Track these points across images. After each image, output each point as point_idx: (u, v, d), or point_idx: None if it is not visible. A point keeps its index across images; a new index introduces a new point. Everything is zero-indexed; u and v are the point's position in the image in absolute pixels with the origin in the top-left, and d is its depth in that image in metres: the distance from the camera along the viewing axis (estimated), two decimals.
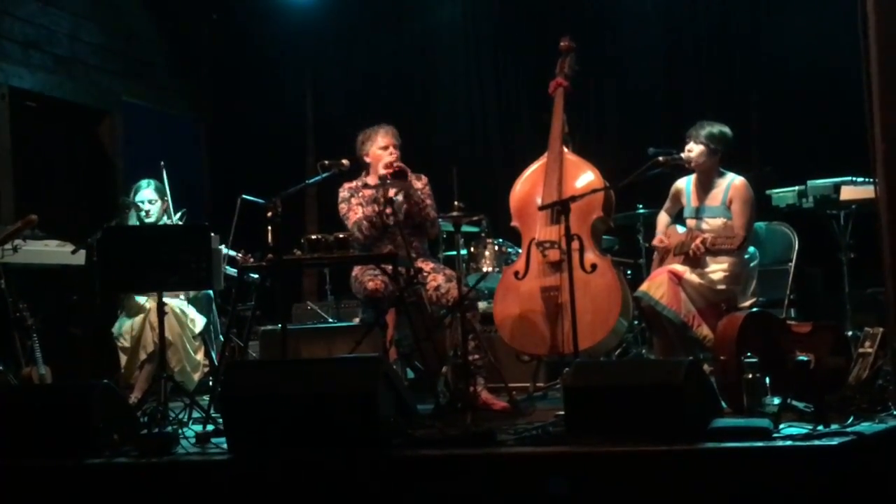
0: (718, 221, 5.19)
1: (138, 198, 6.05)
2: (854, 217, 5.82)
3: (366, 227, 5.33)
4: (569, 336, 4.95)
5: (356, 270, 5.44)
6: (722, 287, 5.12)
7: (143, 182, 6.13)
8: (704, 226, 5.22)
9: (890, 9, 3.94)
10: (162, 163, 6.22)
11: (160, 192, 6.10)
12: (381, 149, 5.44)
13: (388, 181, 5.28)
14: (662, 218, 5.51)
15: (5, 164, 7.00)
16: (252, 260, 5.93)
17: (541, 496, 3.67)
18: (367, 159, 5.51)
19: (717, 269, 5.13)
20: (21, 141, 7.18)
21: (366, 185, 5.47)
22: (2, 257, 5.82)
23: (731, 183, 5.21)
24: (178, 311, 5.89)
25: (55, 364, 6.04)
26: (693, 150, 5.23)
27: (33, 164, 7.38)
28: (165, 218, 6.10)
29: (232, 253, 5.90)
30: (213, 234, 5.16)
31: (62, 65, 7.61)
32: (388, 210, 5.29)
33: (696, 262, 5.14)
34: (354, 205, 5.45)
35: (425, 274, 5.30)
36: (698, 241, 5.03)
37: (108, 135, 8.08)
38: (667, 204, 5.51)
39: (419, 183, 5.48)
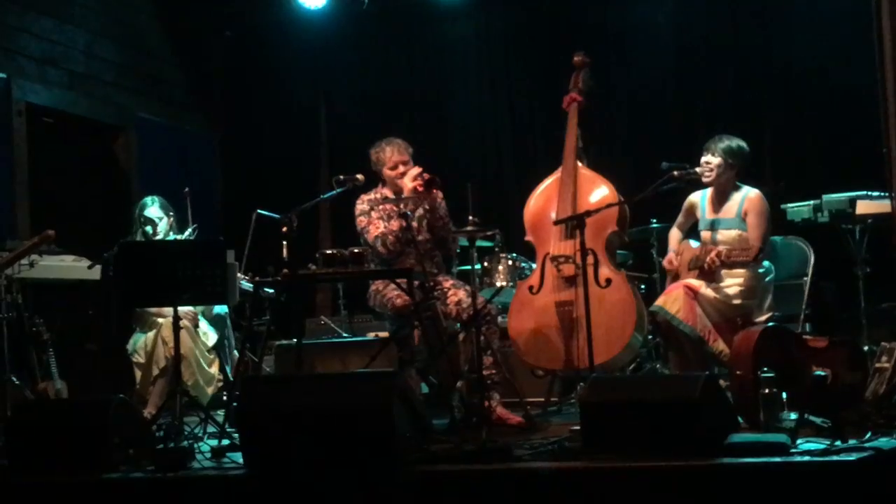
0: (733, 233, 5.18)
1: (145, 215, 6.10)
2: (870, 231, 5.79)
3: (391, 243, 5.27)
4: (583, 351, 4.94)
5: (377, 285, 5.38)
6: (738, 302, 5.11)
7: (148, 199, 6.17)
8: (719, 237, 5.22)
9: None
10: (186, 189, 6.25)
11: (165, 209, 6.14)
12: (391, 169, 5.38)
13: (418, 194, 5.24)
14: (674, 234, 5.51)
15: (22, 179, 7.04)
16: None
17: None
18: (383, 175, 5.49)
19: (733, 283, 5.13)
20: (37, 157, 7.22)
21: (386, 199, 5.44)
22: (18, 272, 5.84)
23: (746, 195, 5.21)
24: (190, 325, 5.91)
25: (71, 379, 6.06)
26: (711, 162, 5.23)
27: (49, 180, 7.42)
28: (171, 234, 6.13)
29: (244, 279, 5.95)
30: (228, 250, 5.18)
31: (78, 81, 7.66)
32: (415, 224, 5.28)
33: (711, 277, 5.13)
34: (375, 218, 5.38)
35: (445, 289, 5.30)
36: (713, 254, 5.03)
37: (123, 150, 8.13)
38: (679, 219, 5.51)
39: (438, 196, 5.47)
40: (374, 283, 5.40)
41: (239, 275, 5.90)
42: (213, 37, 9.00)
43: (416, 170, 5.30)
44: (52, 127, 7.56)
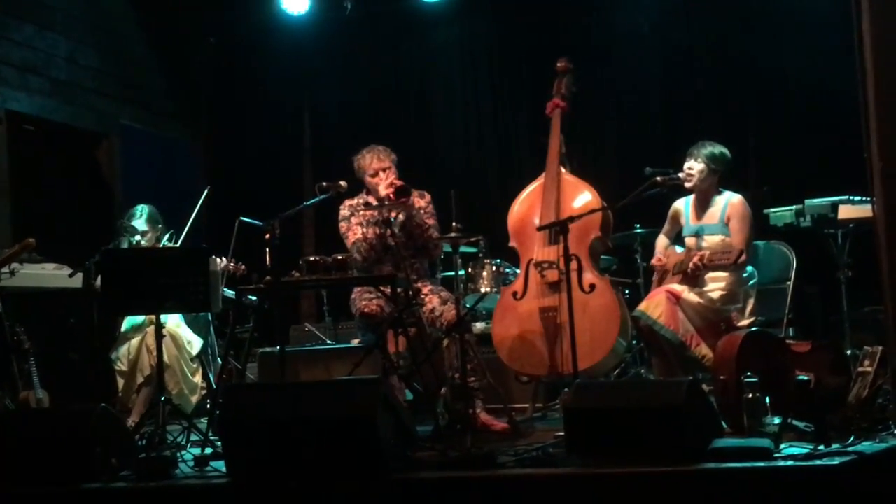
0: (716, 239, 5.20)
1: (132, 224, 6.08)
2: (852, 236, 5.82)
3: (364, 250, 5.32)
4: (568, 356, 4.94)
5: (355, 292, 5.43)
6: (720, 306, 5.12)
7: (137, 210, 6.15)
8: (703, 244, 5.23)
9: (886, 28, 3.96)
10: (207, 189, 6.24)
11: (153, 222, 6.12)
12: (371, 177, 5.41)
13: (391, 202, 5.25)
14: (661, 241, 5.52)
15: (3, 187, 7.00)
16: (243, 268, 5.93)
17: None
18: (365, 182, 5.50)
19: (716, 288, 5.14)
20: (19, 164, 7.18)
21: (367, 205, 5.45)
22: None
23: (729, 201, 5.24)
24: (174, 333, 5.89)
25: (53, 388, 6.02)
26: (693, 168, 5.25)
27: (31, 188, 7.39)
28: (158, 243, 6.11)
29: (222, 262, 5.88)
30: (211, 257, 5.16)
31: (60, 88, 7.63)
32: (389, 232, 5.27)
33: (694, 282, 5.14)
34: (354, 224, 5.43)
35: (422, 296, 5.29)
36: (696, 258, 5.04)
37: (105, 158, 8.10)
38: (665, 226, 5.52)
39: (422, 201, 5.47)
40: (353, 290, 5.42)
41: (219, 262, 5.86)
42: (196, 43, 8.97)
43: (391, 177, 5.33)
44: (33, 134, 7.52)
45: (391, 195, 5.23)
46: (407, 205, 5.28)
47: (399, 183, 5.26)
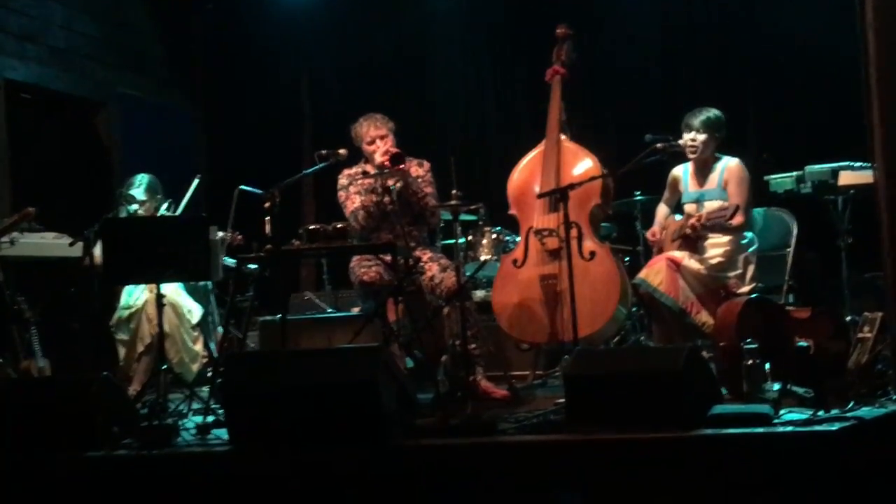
0: (715, 204, 5.19)
1: (130, 193, 6.08)
2: (852, 202, 5.80)
3: (362, 217, 5.33)
4: (568, 324, 4.95)
5: (353, 260, 5.44)
6: (720, 273, 5.13)
7: (136, 179, 6.13)
8: (703, 210, 5.23)
9: None
10: (197, 178, 6.20)
11: (152, 191, 6.10)
12: (369, 145, 5.42)
13: (387, 170, 5.26)
14: (661, 209, 5.51)
15: (2, 156, 6.98)
16: (241, 238, 5.93)
17: (542, 485, 3.67)
18: (363, 150, 5.50)
19: (715, 254, 5.14)
20: (17, 133, 7.16)
21: (365, 173, 5.46)
22: None
23: (726, 165, 5.24)
24: (174, 302, 5.89)
25: (54, 357, 6.03)
26: (697, 139, 5.23)
27: (30, 157, 7.37)
28: (157, 213, 6.10)
29: (221, 234, 5.88)
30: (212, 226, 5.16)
31: (57, 56, 7.59)
32: (387, 199, 5.28)
33: (694, 246, 5.14)
34: (352, 193, 5.44)
35: (422, 264, 5.30)
36: (693, 219, 5.05)
37: (104, 126, 8.07)
38: (665, 194, 5.52)
39: (421, 170, 5.47)
40: (352, 258, 5.42)
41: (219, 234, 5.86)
42: (194, 10, 8.92)
43: (387, 145, 5.32)
44: (31, 103, 7.49)
45: (386, 162, 5.23)
46: (403, 172, 5.27)
47: (394, 150, 5.27)
